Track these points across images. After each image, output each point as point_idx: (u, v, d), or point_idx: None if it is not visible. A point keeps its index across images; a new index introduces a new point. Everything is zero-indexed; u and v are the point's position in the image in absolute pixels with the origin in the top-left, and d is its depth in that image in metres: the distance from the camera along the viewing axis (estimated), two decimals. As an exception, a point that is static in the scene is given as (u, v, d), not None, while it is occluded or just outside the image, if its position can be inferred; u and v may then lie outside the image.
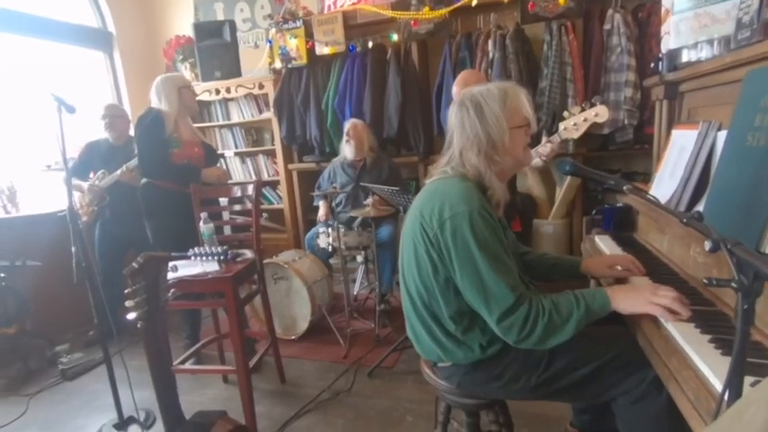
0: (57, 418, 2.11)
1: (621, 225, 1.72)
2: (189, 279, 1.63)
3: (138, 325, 0.87)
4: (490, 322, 1.06)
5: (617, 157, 2.98)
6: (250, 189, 2.06)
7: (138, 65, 4.09)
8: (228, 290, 1.67)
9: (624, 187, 1.04)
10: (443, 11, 3.02)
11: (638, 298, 1.01)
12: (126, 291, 0.77)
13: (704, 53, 1.39)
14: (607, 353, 1.09)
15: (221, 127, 3.93)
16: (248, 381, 1.75)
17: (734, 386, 0.59)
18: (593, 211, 1.78)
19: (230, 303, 1.68)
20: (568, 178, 2.93)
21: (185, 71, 3.88)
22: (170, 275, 1.67)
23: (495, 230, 1.07)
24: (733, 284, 0.54)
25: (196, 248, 1.87)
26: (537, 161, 2.05)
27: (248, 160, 3.91)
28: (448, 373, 1.23)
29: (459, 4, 2.98)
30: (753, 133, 1.04)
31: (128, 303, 0.79)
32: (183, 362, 1.95)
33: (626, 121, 2.73)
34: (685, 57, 1.48)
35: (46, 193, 3.22)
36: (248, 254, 1.95)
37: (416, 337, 1.25)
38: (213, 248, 1.85)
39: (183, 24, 4.01)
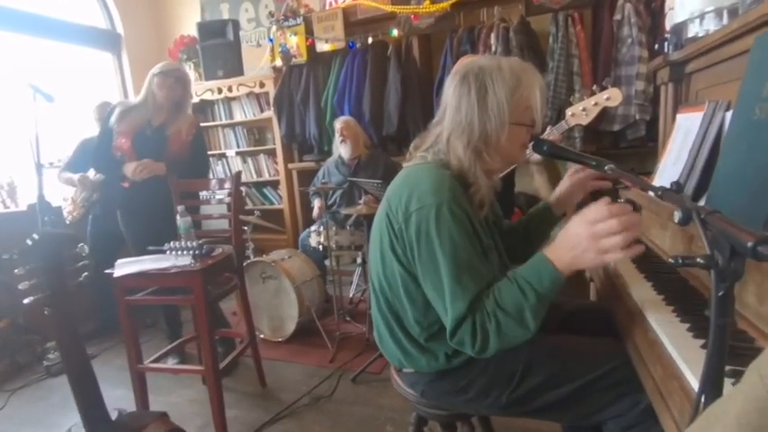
0: (33, 415, 2.06)
1: (623, 222, 1.56)
2: (155, 273, 1.55)
3: (45, 311, 0.78)
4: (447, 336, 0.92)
5: (629, 156, 2.78)
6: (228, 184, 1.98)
7: (145, 66, 4.08)
8: (196, 285, 1.59)
9: (606, 167, 0.90)
10: (444, 4, 2.91)
11: (585, 255, 0.79)
12: (16, 271, 0.69)
13: (712, 25, 1.24)
14: (594, 370, 0.92)
15: (224, 126, 3.92)
16: (217, 383, 1.66)
17: (710, 395, 0.45)
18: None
19: (198, 299, 1.59)
20: (576, 177, 2.75)
21: (189, 70, 3.89)
22: (133, 269, 1.61)
23: (466, 229, 0.91)
24: (699, 260, 0.41)
25: (173, 243, 1.81)
26: (536, 156, 1.89)
27: (250, 160, 3.87)
28: (412, 381, 1.10)
29: (460, -4, 2.87)
30: (761, 105, 0.88)
31: (21, 286, 0.70)
32: (156, 360, 1.87)
33: (637, 117, 2.55)
34: (691, 32, 1.33)
35: (47, 190, 3.24)
36: (228, 249, 1.87)
37: (380, 338, 1.12)
38: (189, 243, 1.78)
39: (190, 25, 4.03)
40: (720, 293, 0.42)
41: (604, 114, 2.70)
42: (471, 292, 0.87)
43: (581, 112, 1.62)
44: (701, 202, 1.06)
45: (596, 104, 1.59)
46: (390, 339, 1.06)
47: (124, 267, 1.65)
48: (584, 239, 0.79)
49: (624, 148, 2.77)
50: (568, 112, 1.66)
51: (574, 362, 0.94)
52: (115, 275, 1.60)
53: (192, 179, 2.17)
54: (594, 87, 1.61)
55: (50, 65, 3.46)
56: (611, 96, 1.57)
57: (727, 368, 0.59)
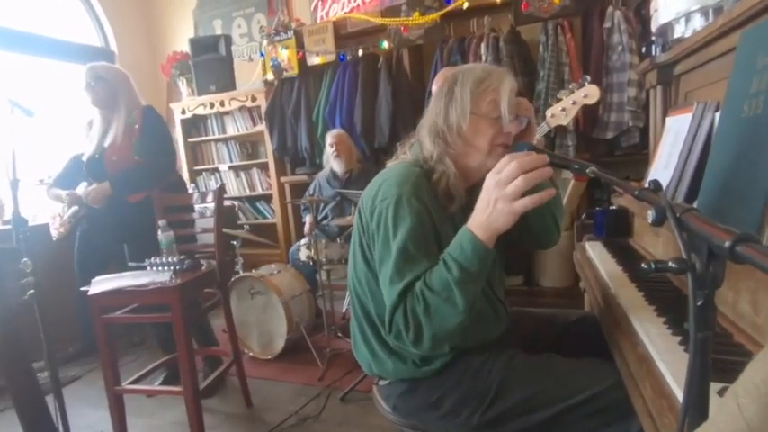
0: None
1: (615, 230, 1.50)
2: (131, 290, 1.50)
3: (-13, 332, 0.72)
4: (385, 332, 0.88)
5: (624, 163, 2.74)
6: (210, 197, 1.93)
7: (138, 82, 4.11)
8: (174, 302, 1.53)
9: (587, 170, 0.85)
10: (434, 15, 2.91)
11: (496, 209, 0.77)
12: (-52, 288, 0.64)
13: (698, 25, 1.20)
14: (576, 394, 0.85)
15: (217, 141, 3.90)
16: (196, 404, 1.58)
17: (695, 419, 0.39)
18: (583, 215, 1.57)
19: (176, 316, 1.53)
20: (570, 185, 2.71)
21: (182, 86, 3.89)
22: (109, 286, 1.55)
23: (422, 222, 0.88)
24: (672, 264, 0.35)
25: (153, 258, 1.76)
26: None
27: (242, 174, 3.84)
28: (386, 394, 1.05)
29: (449, 7, 2.86)
30: (749, 101, 0.84)
31: (-45, 304, 0.65)
32: (137, 381, 1.79)
33: (631, 123, 2.51)
34: (678, 32, 1.29)
35: (40, 207, 3.21)
36: (211, 264, 1.82)
37: (354, 343, 1.09)
38: (170, 258, 1.73)
39: (183, 41, 4.05)
40: (699, 302, 0.36)
41: (597, 122, 2.67)
42: (406, 281, 0.84)
43: (560, 112, 1.58)
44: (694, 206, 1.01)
45: (575, 103, 1.55)
46: (362, 342, 1.04)
47: (101, 284, 1.60)
48: (492, 191, 0.78)
49: (619, 156, 2.73)
50: (548, 113, 1.62)
51: (554, 384, 0.88)
52: (90, 293, 1.54)
53: (150, 186, 2.03)
54: (572, 86, 1.57)
55: (45, 83, 3.47)
56: (588, 93, 1.53)
57: (721, 386, 0.53)
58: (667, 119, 1.32)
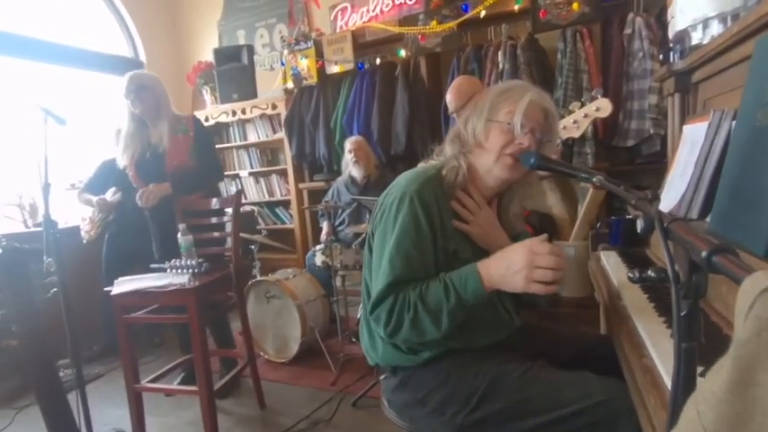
0: (35, 434, 2.06)
1: (631, 239, 1.47)
2: (150, 291, 1.55)
3: (13, 328, 0.77)
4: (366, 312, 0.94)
5: (644, 172, 2.68)
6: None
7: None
8: (191, 303, 1.58)
9: (594, 178, 0.85)
10: (451, 24, 2.93)
11: (514, 278, 0.84)
12: (-22, 285, 0.68)
13: (715, 30, 1.18)
14: (565, 405, 0.83)
15: (238, 147, 4.00)
16: (211, 404, 1.62)
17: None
18: (598, 224, 1.55)
19: (192, 318, 1.58)
20: (589, 194, 2.66)
21: (206, 95, 4.02)
22: (130, 287, 1.61)
23: (420, 221, 0.92)
24: (651, 273, 0.35)
25: (174, 261, 1.82)
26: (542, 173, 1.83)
27: (262, 180, 3.93)
28: (383, 387, 1.09)
29: (467, 16, 2.88)
30: (764, 110, 0.82)
31: (-17, 300, 0.70)
32: (155, 380, 1.85)
33: (652, 131, 2.45)
34: (695, 39, 1.27)
35: (72, 210, 3.36)
36: (229, 267, 1.87)
37: (360, 332, 1.13)
38: (189, 261, 1.79)
39: (208, 51, 4.18)
40: (683, 313, 0.36)
41: (617, 129, 2.63)
42: (397, 275, 0.89)
43: (572, 124, 1.56)
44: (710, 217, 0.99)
45: (586, 116, 1.54)
46: (365, 327, 1.08)
47: (123, 285, 1.66)
48: (521, 264, 0.84)
49: (640, 164, 2.66)
50: (560, 125, 1.60)
51: (543, 393, 0.86)
52: (112, 293, 1.60)
53: (202, 189, 2.14)
54: (583, 98, 1.55)
55: (78, 92, 3.65)
56: (600, 107, 1.51)
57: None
58: (684, 127, 1.30)
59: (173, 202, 2.09)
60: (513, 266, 0.85)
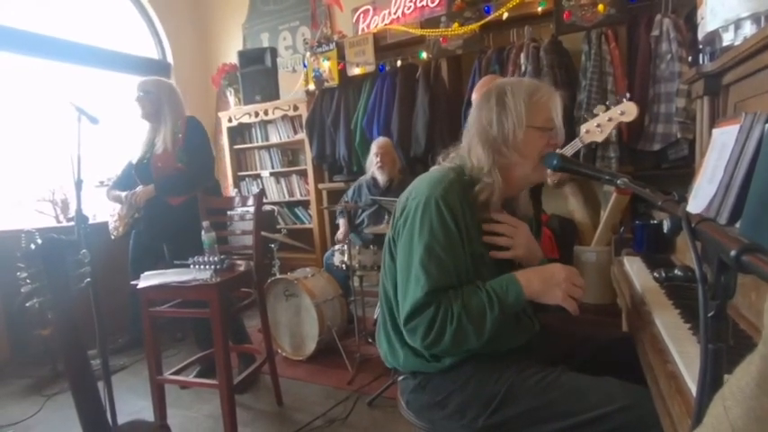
0: (62, 422, 2.14)
1: (656, 245, 1.44)
2: (173, 285, 1.60)
3: (50, 315, 0.81)
4: (400, 321, 0.91)
5: (670, 177, 2.61)
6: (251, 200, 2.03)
7: (192, 93, 4.39)
8: (213, 298, 1.61)
9: (618, 181, 0.84)
10: (473, 26, 2.92)
11: (555, 290, 0.91)
12: (19, 274, 0.72)
13: (748, 31, 1.15)
14: (586, 411, 0.83)
15: (260, 148, 4.07)
16: (230, 397, 1.65)
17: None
18: (622, 229, 1.52)
19: (214, 313, 1.62)
20: (612, 198, 2.61)
21: (230, 96, 4.11)
22: (155, 281, 1.66)
23: (447, 224, 0.91)
24: (678, 272, 0.35)
25: (196, 257, 1.86)
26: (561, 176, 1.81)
27: (282, 180, 3.99)
28: (401, 388, 1.08)
29: (489, 18, 2.87)
30: (798, 113, 0.79)
31: (24, 289, 0.74)
32: (177, 372, 1.90)
33: (679, 135, 2.39)
34: (726, 40, 1.24)
35: (100, 207, 3.48)
36: (248, 265, 1.90)
37: (378, 336, 1.12)
38: (211, 257, 1.83)
39: (232, 53, 4.28)
40: (710, 314, 0.36)
41: (642, 133, 2.57)
42: (434, 282, 0.88)
43: (596, 128, 1.54)
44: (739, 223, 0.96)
45: (611, 120, 1.51)
46: (382, 331, 1.08)
47: (148, 279, 1.72)
48: (561, 279, 0.92)
49: (666, 169, 2.60)
50: (582, 128, 1.58)
51: (564, 398, 0.86)
52: (139, 287, 1.66)
53: (189, 191, 2.22)
54: (608, 102, 1.53)
55: (109, 93, 3.79)
56: (625, 111, 1.48)
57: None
58: (714, 130, 1.26)
59: (161, 205, 2.27)
60: (552, 280, 0.91)
